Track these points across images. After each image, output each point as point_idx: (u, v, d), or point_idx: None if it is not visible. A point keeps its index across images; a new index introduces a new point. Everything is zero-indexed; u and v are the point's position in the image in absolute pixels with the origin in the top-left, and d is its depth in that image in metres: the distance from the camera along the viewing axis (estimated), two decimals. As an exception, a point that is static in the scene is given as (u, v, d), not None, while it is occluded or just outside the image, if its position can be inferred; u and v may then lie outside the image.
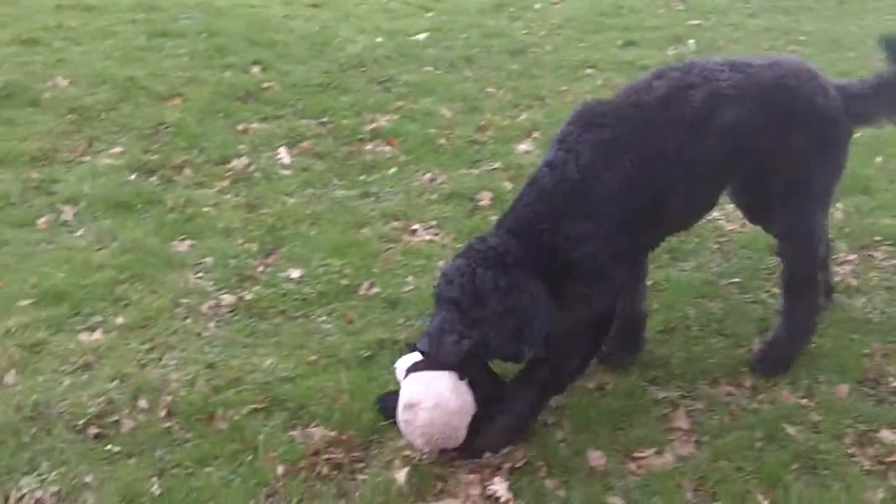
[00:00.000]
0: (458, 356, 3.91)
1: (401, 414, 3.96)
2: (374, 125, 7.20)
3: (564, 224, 3.99)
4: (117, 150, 6.63)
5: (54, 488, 3.80)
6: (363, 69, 8.45)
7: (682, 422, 4.28)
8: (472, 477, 3.93)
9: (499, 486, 3.86)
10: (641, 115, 4.13)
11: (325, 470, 3.94)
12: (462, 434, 3.96)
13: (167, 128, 6.96)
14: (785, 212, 4.48)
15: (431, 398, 3.90)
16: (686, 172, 4.16)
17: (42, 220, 5.72)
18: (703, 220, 5.73)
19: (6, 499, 3.73)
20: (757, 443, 4.12)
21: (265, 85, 7.82)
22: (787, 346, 4.63)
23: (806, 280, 4.62)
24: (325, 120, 7.28)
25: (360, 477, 3.92)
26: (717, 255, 5.66)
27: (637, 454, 4.07)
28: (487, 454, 4.04)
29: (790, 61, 4.57)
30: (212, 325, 4.84)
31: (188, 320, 4.83)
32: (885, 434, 4.13)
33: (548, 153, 4.18)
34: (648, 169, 4.05)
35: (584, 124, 4.14)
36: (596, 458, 4.02)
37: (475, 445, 4.03)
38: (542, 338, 3.95)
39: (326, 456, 3.99)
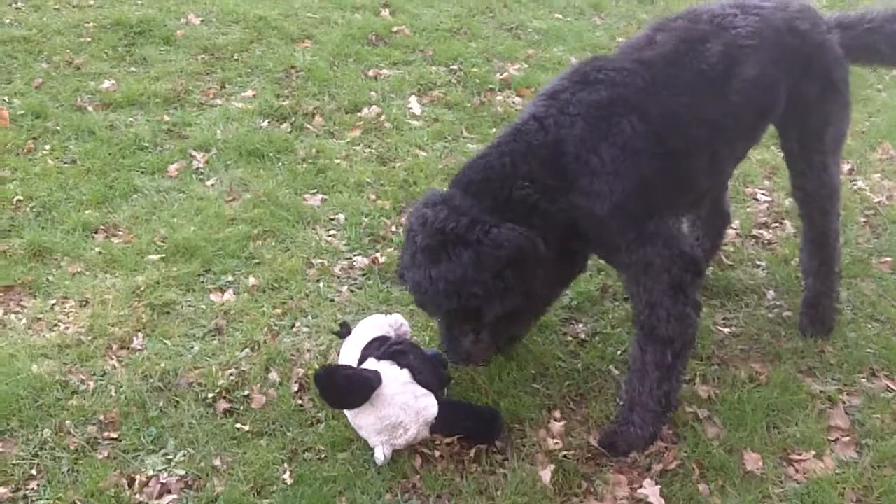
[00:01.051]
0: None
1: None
2: (504, 74, 6.57)
3: (555, 194, 3.30)
4: (249, 93, 6.10)
5: (181, 471, 3.34)
6: (492, 14, 7.80)
7: (840, 420, 3.76)
8: (620, 478, 3.43)
9: (649, 490, 3.37)
10: (646, 73, 3.43)
11: (466, 463, 3.41)
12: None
13: (298, 71, 6.41)
14: (804, 170, 4.02)
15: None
16: (710, 132, 3.51)
17: (173, 166, 5.22)
18: (850, 192, 5.17)
19: (131, 481, 3.27)
20: (923, 448, 3.53)
21: (395, 28, 7.21)
22: (830, 299, 4.21)
23: (836, 232, 4.18)
24: (454, 67, 6.67)
25: (501, 471, 3.40)
26: (865, 229, 5.02)
27: (795, 456, 3.56)
28: (633, 454, 3.51)
29: (791, 1, 3.87)
30: (344, 289, 4.32)
31: (321, 283, 4.32)
32: None
33: (535, 104, 3.42)
34: (655, 130, 3.36)
35: (579, 81, 3.42)
36: (753, 460, 3.51)
37: (619, 445, 3.51)
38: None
39: (466, 446, 3.47)
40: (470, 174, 3.35)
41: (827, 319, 4.17)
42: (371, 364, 3.45)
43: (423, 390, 3.43)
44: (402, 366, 3.45)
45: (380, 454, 3.35)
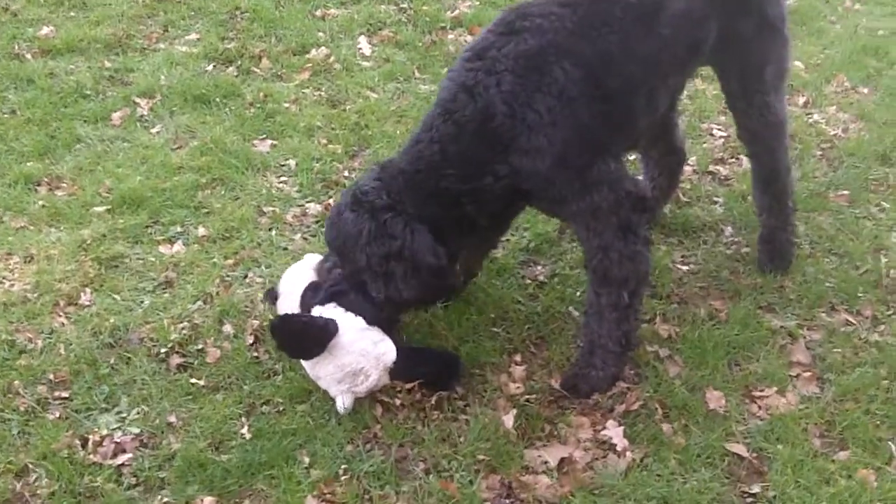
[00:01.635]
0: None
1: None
2: (455, 12, 6.44)
3: (491, 166, 3.26)
4: (193, 36, 5.93)
5: (135, 429, 3.26)
6: (440, -51, 7.62)
7: (801, 355, 3.76)
8: (582, 420, 3.41)
9: (612, 431, 3.36)
10: (573, 14, 3.31)
11: (427, 410, 3.37)
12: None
13: (243, 13, 6.23)
14: (746, 110, 3.93)
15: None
16: (645, 68, 3.42)
17: (117, 114, 5.08)
18: (805, 125, 5.14)
19: (84, 441, 3.19)
20: (883, 381, 3.57)
21: (342, -34, 7.02)
22: (786, 233, 4.15)
23: (787, 168, 4.10)
24: (404, 6, 6.52)
25: (463, 417, 3.36)
26: (822, 163, 5.00)
27: (757, 393, 3.55)
28: (595, 395, 3.49)
29: None
30: (297, 237, 4.24)
31: (273, 231, 4.23)
32: None
33: (463, 67, 3.31)
34: (590, 74, 3.26)
35: (504, 32, 3.31)
36: (715, 398, 3.50)
37: (581, 387, 3.48)
38: (421, 282, 3.30)
39: (427, 394, 3.42)
40: (402, 165, 3.34)
41: (785, 254, 4.14)
42: (318, 312, 3.37)
43: (381, 335, 3.37)
44: (345, 307, 3.37)
45: (341, 403, 3.29)
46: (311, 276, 3.58)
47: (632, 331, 3.50)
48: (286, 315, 3.36)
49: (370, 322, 3.37)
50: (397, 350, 3.36)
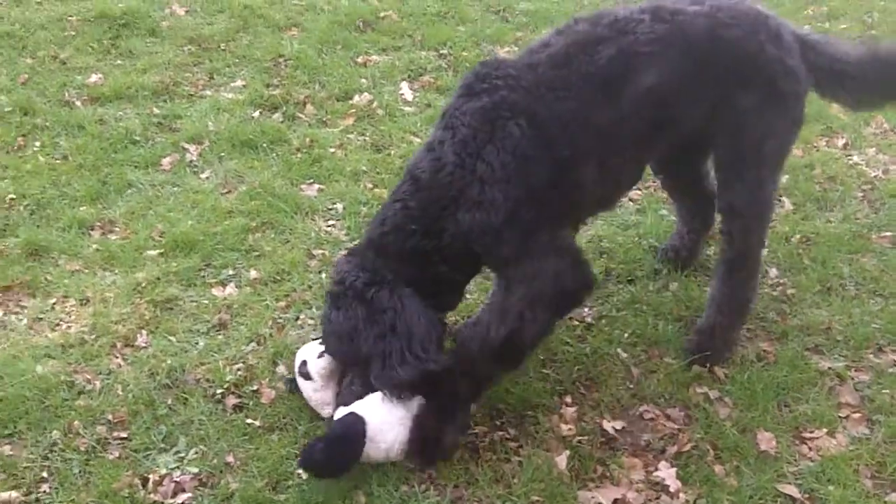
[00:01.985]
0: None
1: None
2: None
3: (445, 220, 3.24)
4: (238, 83, 6.04)
5: (194, 469, 3.31)
6: (479, -3, 7.75)
7: (850, 396, 3.78)
8: (634, 461, 3.45)
9: (664, 473, 3.39)
10: (532, 75, 3.30)
11: (480, 451, 3.40)
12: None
13: (287, 60, 6.34)
14: (734, 183, 3.68)
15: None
16: (599, 141, 3.33)
17: (166, 160, 5.17)
18: (846, 167, 5.17)
19: (144, 480, 3.24)
20: (934, 422, 3.55)
21: (382, 14, 7.15)
22: (727, 332, 3.87)
23: (756, 259, 3.85)
24: (444, 52, 6.62)
25: (516, 459, 3.39)
26: (863, 204, 5.02)
27: (807, 434, 3.58)
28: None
29: (731, 5, 3.56)
30: (347, 279, 4.28)
31: (323, 274, 4.28)
32: None
33: (433, 131, 3.40)
34: (543, 135, 3.22)
35: (465, 94, 3.32)
36: (766, 439, 3.52)
37: (425, 455, 3.34)
38: (432, 345, 3.25)
39: (480, 434, 3.45)
40: (370, 235, 3.40)
41: (717, 352, 3.85)
42: (341, 410, 3.36)
43: None
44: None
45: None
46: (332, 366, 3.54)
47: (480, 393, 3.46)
48: (305, 447, 3.26)
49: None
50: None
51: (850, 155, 5.52)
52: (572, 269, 3.31)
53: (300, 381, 3.51)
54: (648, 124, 3.42)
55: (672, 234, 4.46)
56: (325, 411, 3.47)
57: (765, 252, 4.52)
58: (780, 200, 5.00)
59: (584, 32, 3.40)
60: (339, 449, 3.19)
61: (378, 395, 3.31)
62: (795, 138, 3.75)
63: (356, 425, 3.22)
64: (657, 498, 3.25)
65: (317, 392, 3.48)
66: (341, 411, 3.33)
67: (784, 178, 5.11)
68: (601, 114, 3.31)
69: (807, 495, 3.28)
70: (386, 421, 3.25)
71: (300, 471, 3.26)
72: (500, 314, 3.31)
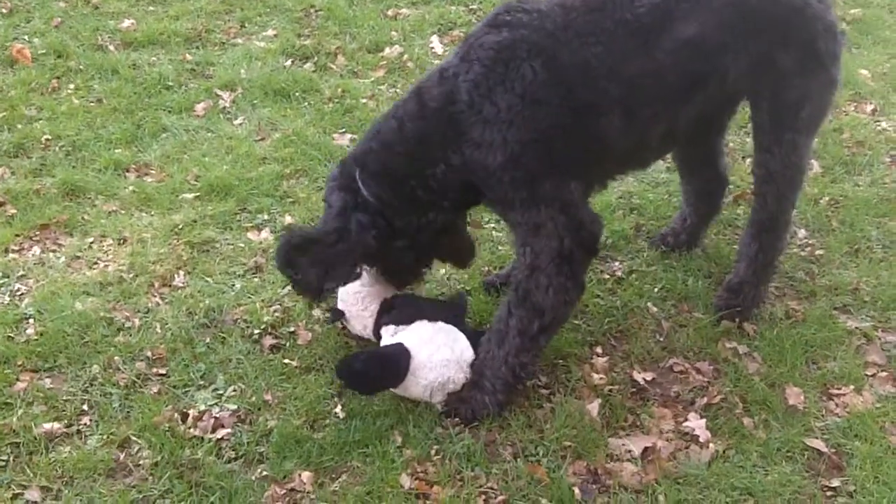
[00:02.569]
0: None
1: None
2: (524, 14, 6.51)
3: (442, 153, 3.19)
4: (270, 32, 6.06)
5: (232, 406, 3.36)
6: (508, -47, 7.70)
7: (877, 356, 3.78)
8: (664, 412, 3.47)
9: (694, 423, 3.42)
10: (562, 16, 3.17)
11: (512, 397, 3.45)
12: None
13: (318, 11, 6.36)
14: (771, 147, 3.60)
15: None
16: (628, 91, 3.22)
17: (200, 105, 5.21)
18: (874, 132, 5.17)
19: (184, 416, 3.30)
20: (959, 382, 3.59)
21: (412, -33, 7.12)
22: (756, 289, 3.86)
23: (786, 221, 3.82)
24: (474, 7, 6.61)
25: (548, 405, 3.43)
26: (891, 169, 5.03)
27: (835, 391, 3.59)
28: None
29: None
30: (380, 227, 4.32)
31: (357, 222, 4.31)
32: None
33: (453, 54, 3.28)
34: (559, 79, 3.12)
35: (490, 24, 3.22)
36: (794, 394, 3.54)
37: (462, 412, 3.35)
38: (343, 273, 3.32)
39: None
40: (357, 149, 3.37)
41: (744, 307, 3.85)
42: (387, 338, 3.41)
43: (451, 335, 3.40)
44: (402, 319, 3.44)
45: (441, 407, 3.37)
46: (368, 288, 3.59)
47: (530, 364, 3.38)
48: (347, 357, 3.34)
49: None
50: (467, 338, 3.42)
51: (878, 121, 5.52)
52: (576, 227, 3.24)
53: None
54: (682, 77, 3.31)
55: (675, 216, 4.35)
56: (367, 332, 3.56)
57: (794, 213, 4.54)
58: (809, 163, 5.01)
59: None
60: (378, 368, 3.25)
61: (426, 332, 3.35)
62: (833, 101, 3.69)
63: (402, 355, 3.26)
64: (687, 447, 3.29)
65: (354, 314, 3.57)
66: (387, 339, 3.38)
67: (814, 140, 5.11)
68: (633, 63, 3.20)
69: (833, 450, 3.31)
70: (430, 359, 3.29)
71: (337, 409, 3.31)
72: (524, 285, 3.30)
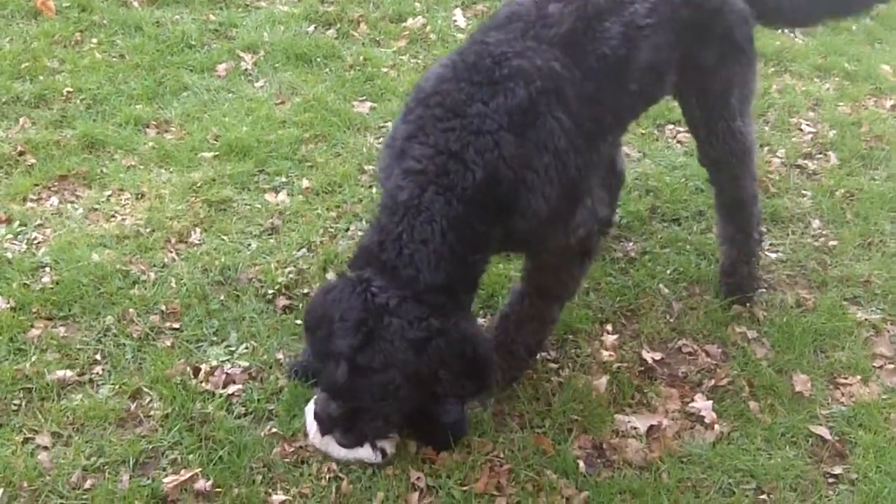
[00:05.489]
0: None
1: None
2: (548, -8, 6.48)
3: (493, 231, 2.92)
4: (293, -3, 6.05)
5: (244, 363, 3.39)
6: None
7: (885, 348, 3.81)
8: (671, 392, 3.50)
9: (700, 405, 3.46)
10: (554, 55, 2.98)
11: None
12: None
13: (342, -22, 6.32)
14: (710, 139, 3.65)
15: None
16: (613, 119, 3.25)
17: (221, 66, 5.21)
18: (893, 127, 5.18)
19: (196, 370, 3.32)
20: (966, 379, 3.61)
21: (437, -61, 7.09)
22: (747, 266, 3.89)
23: (752, 195, 3.82)
24: (498, -18, 6.58)
25: (556, 380, 3.46)
26: (908, 163, 5.00)
27: (841, 380, 3.61)
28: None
29: None
30: (396, 196, 4.33)
31: (374, 189, 4.32)
32: None
33: (436, 129, 2.85)
34: (576, 123, 2.98)
35: (483, 82, 2.88)
36: (801, 381, 3.58)
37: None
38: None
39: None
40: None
41: (745, 286, 3.89)
42: None
43: None
44: None
45: None
46: None
47: (545, 339, 3.44)
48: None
49: None
50: None
51: (896, 114, 5.52)
52: (596, 225, 3.28)
53: None
54: (643, 100, 3.41)
55: None
56: None
57: (809, 203, 4.56)
58: (825, 155, 5.01)
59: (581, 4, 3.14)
60: None
61: None
62: (755, 80, 3.72)
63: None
64: (692, 427, 3.32)
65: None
66: None
67: (831, 133, 5.12)
68: (614, 96, 3.16)
69: (837, 438, 3.33)
70: None
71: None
72: (542, 283, 3.31)
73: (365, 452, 3.01)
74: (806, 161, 4.95)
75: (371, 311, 2.75)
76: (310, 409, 3.07)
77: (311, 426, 3.05)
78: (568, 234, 3.13)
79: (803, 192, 4.67)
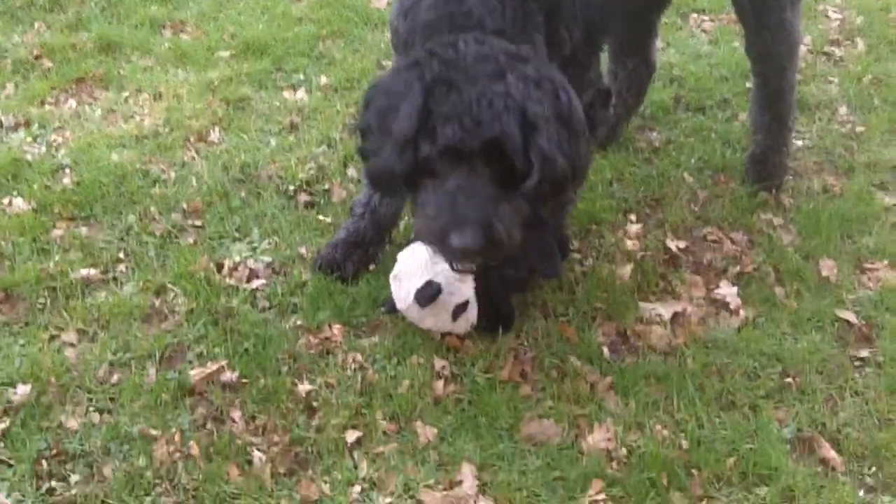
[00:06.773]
0: None
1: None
2: None
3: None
4: None
5: (267, 258, 3.37)
6: None
7: (914, 233, 3.72)
8: (696, 279, 3.45)
9: (726, 291, 3.40)
10: None
11: (543, 260, 3.44)
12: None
13: None
14: (760, 31, 3.60)
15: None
16: None
17: (237, -37, 5.12)
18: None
19: (219, 266, 3.32)
20: None
21: None
22: (778, 155, 3.85)
23: (792, 87, 3.78)
24: None
25: (580, 269, 3.43)
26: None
27: (868, 265, 3.56)
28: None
29: None
30: (416, 91, 4.28)
31: (392, 84, 4.27)
32: None
33: None
34: None
35: None
36: (828, 266, 3.52)
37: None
38: None
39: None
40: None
41: (775, 175, 3.86)
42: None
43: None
44: None
45: None
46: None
47: (563, 221, 3.34)
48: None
49: None
50: None
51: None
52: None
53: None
54: None
55: None
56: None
57: (836, 90, 4.48)
58: (851, 41, 4.91)
59: None
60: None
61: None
62: None
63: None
64: (717, 314, 3.29)
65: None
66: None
67: (858, 19, 5.02)
68: None
69: (864, 322, 3.30)
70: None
71: (371, 266, 3.32)
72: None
73: (459, 325, 3.04)
74: (833, 48, 4.86)
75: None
76: (403, 277, 3.03)
77: (405, 297, 3.00)
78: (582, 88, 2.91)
79: (830, 78, 4.59)
